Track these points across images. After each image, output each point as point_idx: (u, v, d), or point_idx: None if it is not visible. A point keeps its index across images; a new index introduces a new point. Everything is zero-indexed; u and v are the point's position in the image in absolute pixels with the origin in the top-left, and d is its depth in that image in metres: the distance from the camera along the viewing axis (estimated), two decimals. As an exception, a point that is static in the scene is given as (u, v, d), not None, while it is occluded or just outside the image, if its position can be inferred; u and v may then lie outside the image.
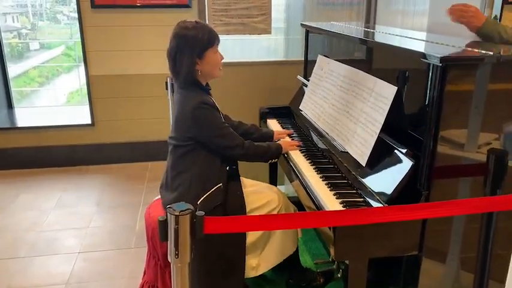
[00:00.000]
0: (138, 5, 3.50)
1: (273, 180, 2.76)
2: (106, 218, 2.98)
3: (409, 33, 2.08)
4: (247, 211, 1.92)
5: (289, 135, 2.28)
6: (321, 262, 2.36)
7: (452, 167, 1.45)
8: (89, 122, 3.77)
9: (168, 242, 1.15)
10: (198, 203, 1.83)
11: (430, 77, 1.38)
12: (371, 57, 2.04)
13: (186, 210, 1.13)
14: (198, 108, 1.82)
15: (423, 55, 1.41)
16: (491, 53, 1.35)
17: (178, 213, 1.11)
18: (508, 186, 1.49)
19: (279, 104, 2.72)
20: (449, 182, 1.47)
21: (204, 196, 1.84)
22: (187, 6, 3.55)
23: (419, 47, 1.64)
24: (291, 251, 2.06)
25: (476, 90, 1.40)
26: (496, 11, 2.62)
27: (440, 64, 1.31)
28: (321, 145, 2.06)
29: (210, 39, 1.85)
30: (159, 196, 2.03)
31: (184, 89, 1.89)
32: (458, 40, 1.78)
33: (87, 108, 3.78)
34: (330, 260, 2.34)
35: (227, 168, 1.94)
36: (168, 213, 1.13)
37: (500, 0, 2.30)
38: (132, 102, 3.79)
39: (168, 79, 2.92)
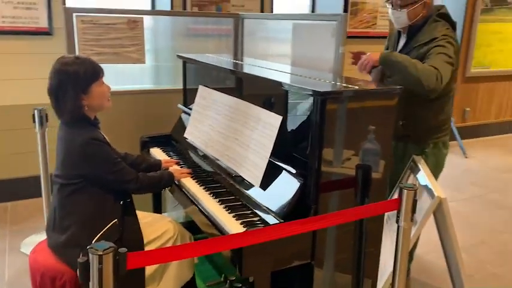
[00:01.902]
0: (-10, 31, 3.18)
1: (158, 209, 2.77)
2: (-37, 271, 2.60)
3: (279, 67, 2.34)
4: (144, 243, 1.92)
5: (177, 164, 2.34)
6: (214, 284, 2.45)
7: (333, 182, 1.70)
8: None
9: (91, 283, 1.13)
10: (94, 241, 1.78)
11: (312, 107, 1.62)
12: (242, 87, 2.25)
13: (108, 248, 1.13)
14: (88, 145, 1.77)
15: (307, 89, 1.64)
16: (357, 87, 1.65)
17: (102, 253, 1.11)
18: (373, 194, 1.80)
19: (159, 133, 2.75)
20: (332, 195, 1.71)
21: (100, 234, 1.79)
22: (47, 33, 3.35)
23: (299, 81, 1.88)
24: (188, 277, 2.10)
25: (345, 116, 1.67)
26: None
27: (320, 97, 1.55)
28: (210, 170, 2.17)
29: (94, 73, 1.83)
30: (39, 239, 1.90)
31: (71, 126, 1.82)
32: (323, 74, 2.10)
33: None
34: (222, 280, 2.45)
35: (121, 202, 1.91)
36: (89, 254, 1.12)
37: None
38: (-14, 136, 3.39)
39: (36, 111, 2.73)
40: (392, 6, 2.23)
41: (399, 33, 2.38)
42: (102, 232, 1.80)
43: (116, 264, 1.14)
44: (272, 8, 4.23)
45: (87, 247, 1.13)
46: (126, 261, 1.15)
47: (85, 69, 1.80)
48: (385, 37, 4.70)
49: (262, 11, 4.16)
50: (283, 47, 3.00)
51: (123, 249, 1.15)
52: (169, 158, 2.44)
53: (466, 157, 5.12)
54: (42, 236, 2.82)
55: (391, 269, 2.08)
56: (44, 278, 1.78)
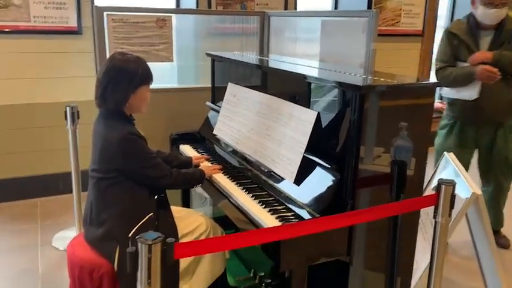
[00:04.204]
0: (22, 30, 3.25)
1: (186, 204, 2.79)
2: (-1, 264, 2.66)
3: (310, 63, 2.34)
4: (179, 237, 1.94)
5: (207, 160, 2.36)
6: (243, 279, 2.46)
7: (370, 177, 1.69)
8: (-37, 158, 3.34)
9: (139, 272, 1.15)
10: (130, 234, 1.80)
11: (350, 102, 1.62)
12: (272, 84, 2.25)
13: (157, 238, 1.15)
14: (126, 139, 1.80)
15: (345, 84, 1.64)
16: (396, 81, 1.65)
17: (151, 242, 1.13)
18: (409, 190, 1.79)
19: (187, 130, 2.77)
20: (367, 191, 1.70)
21: (136, 227, 1.81)
22: (77, 33, 3.41)
23: (336, 76, 1.88)
24: (220, 272, 2.11)
25: (383, 111, 1.66)
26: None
27: (360, 91, 1.55)
28: (241, 166, 2.18)
29: (148, 76, 1.90)
30: (70, 234, 1.93)
31: (109, 119, 1.86)
32: (357, 69, 2.09)
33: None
34: (251, 275, 2.45)
35: (155, 197, 1.94)
36: (139, 244, 1.14)
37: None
38: (19, 134, 3.46)
39: (68, 108, 2.78)
40: (495, 6, 2.63)
41: (474, 33, 2.73)
42: (138, 225, 1.82)
43: (164, 254, 1.15)
44: (296, 6, 4.23)
45: (136, 237, 1.15)
46: (173, 251, 1.17)
47: (142, 70, 1.86)
48: (408, 35, 4.71)
49: (286, 9, 4.16)
50: (310, 46, 3.00)
51: (170, 239, 1.17)
52: (199, 154, 2.46)
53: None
54: (73, 231, 2.89)
55: (424, 265, 2.07)
56: (82, 271, 1.81)
